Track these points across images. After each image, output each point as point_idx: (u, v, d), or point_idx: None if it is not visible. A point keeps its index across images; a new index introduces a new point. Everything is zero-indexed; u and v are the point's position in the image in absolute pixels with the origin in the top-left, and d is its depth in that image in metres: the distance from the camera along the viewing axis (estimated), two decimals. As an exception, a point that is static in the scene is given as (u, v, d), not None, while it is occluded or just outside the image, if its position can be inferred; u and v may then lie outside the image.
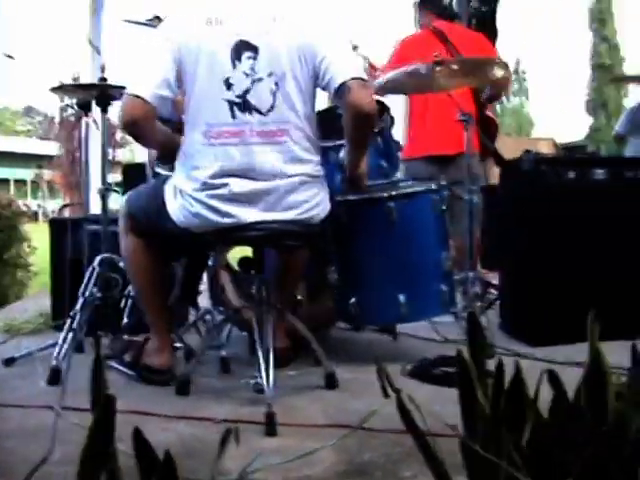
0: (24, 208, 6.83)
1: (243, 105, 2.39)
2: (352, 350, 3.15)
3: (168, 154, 2.66)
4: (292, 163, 2.43)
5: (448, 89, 3.39)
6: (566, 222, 3.20)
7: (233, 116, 2.39)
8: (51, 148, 16.09)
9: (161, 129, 2.60)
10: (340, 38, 2.58)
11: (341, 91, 2.43)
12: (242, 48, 2.41)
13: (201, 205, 2.38)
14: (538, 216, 3.25)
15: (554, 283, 3.19)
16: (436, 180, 3.06)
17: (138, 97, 2.41)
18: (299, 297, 3.11)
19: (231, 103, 2.39)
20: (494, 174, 4.59)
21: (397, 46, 4.40)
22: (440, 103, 3.81)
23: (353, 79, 2.42)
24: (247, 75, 2.40)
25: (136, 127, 2.52)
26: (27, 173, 37.43)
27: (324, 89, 2.54)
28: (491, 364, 1.32)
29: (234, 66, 2.40)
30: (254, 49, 2.41)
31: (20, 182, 38.13)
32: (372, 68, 4.42)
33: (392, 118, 3.43)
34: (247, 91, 2.40)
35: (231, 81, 2.40)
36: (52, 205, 26.38)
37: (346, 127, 2.55)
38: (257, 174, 2.39)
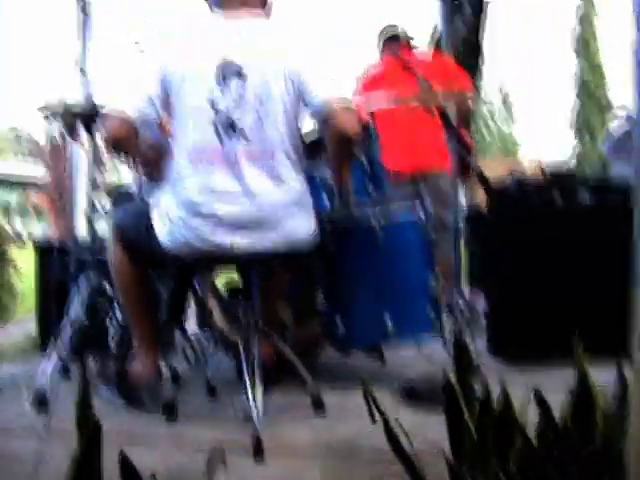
0: (10, 232, 6.80)
1: (229, 128, 2.38)
2: (339, 374, 3.14)
3: (154, 171, 2.66)
4: (277, 185, 2.42)
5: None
6: (551, 244, 3.21)
7: (219, 139, 2.38)
8: (38, 171, 16.06)
9: (145, 144, 2.57)
10: (324, 59, 2.57)
11: (324, 115, 2.46)
12: (228, 69, 2.39)
13: (187, 229, 2.37)
14: (523, 238, 3.26)
15: (539, 305, 3.20)
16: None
17: (120, 114, 2.42)
18: (285, 321, 3.10)
19: (216, 125, 2.37)
20: (478, 195, 4.61)
21: (362, 80, 4.52)
22: (404, 122, 3.83)
23: (336, 103, 2.44)
24: (234, 98, 2.38)
25: (118, 144, 2.52)
26: (12, 196, 37.30)
27: (308, 111, 2.55)
28: (478, 387, 1.33)
29: (220, 87, 2.38)
30: (241, 72, 2.39)
31: (6, 205, 37.97)
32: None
33: (378, 138, 3.45)
34: (234, 114, 2.38)
35: (217, 102, 2.38)
36: (38, 229, 26.30)
37: (330, 149, 2.58)
38: (242, 197, 2.37)
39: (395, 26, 4.73)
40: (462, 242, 3.89)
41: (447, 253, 3.62)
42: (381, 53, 4.74)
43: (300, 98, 2.49)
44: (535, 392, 1.31)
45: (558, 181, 3.66)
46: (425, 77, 4.22)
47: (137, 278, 2.64)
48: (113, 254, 2.66)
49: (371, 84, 4.23)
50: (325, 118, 2.46)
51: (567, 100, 46.20)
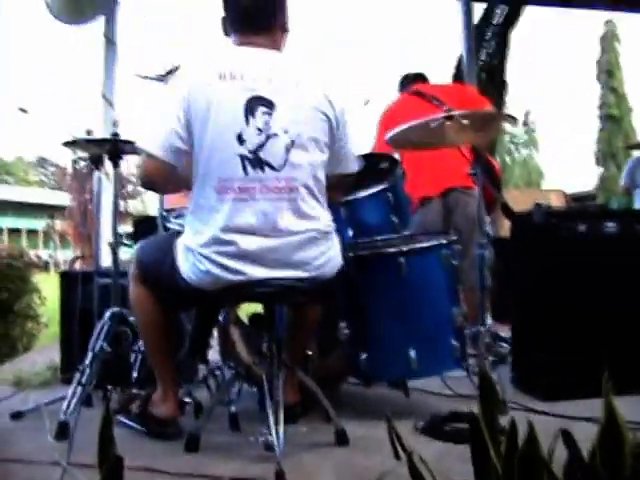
0: (35, 259, 6.86)
1: (255, 161, 2.36)
2: (363, 406, 3.12)
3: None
4: (302, 219, 2.41)
5: (458, 143, 3.40)
6: (578, 275, 3.18)
7: (245, 171, 2.36)
8: (63, 199, 16.19)
9: (180, 177, 2.54)
10: (353, 112, 2.65)
11: (346, 177, 2.69)
12: (256, 103, 2.38)
13: (210, 262, 2.35)
14: (549, 269, 3.24)
15: (566, 337, 3.16)
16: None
17: (152, 156, 2.45)
18: (309, 352, 3.09)
19: (243, 158, 2.36)
20: (503, 226, 4.59)
21: (381, 118, 4.53)
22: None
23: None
24: (261, 130, 2.37)
25: (154, 185, 2.68)
26: (39, 223, 37.72)
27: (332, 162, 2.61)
28: (504, 420, 1.31)
29: (247, 121, 2.37)
30: (269, 104, 2.39)
31: (32, 232, 38.40)
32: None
33: (403, 173, 3.45)
34: (260, 146, 2.37)
35: (244, 136, 2.36)
36: (63, 256, 26.51)
37: (332, 195, 2.69)
38: (267, 231, 2.36)
39: (412, 73, 4.85)
40: (487, 271, 3.87)
41: (473, 280, 3.60)
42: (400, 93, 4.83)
43: (328, 133, 2.51)
44: (562, 430, 1.29)
45: (583, 210, 3.64)
46: (446, 103, 4.25)
47: (157, 315, 2.64)
48: (134, 290, 2.67)
49: (392, 118, 4.23)
50: (343, 179, 2.70)
51: (591, 130, 46.06)
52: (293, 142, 2.40)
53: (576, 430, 1.28)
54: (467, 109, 3.91)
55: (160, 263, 2.55)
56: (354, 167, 2.69)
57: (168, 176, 2.50)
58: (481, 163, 4.27)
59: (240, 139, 2.36)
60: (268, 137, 2.38)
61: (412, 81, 4.72)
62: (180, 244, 2.47)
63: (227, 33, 2.63)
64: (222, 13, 2.63)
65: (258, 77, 2.43)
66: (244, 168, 2.36)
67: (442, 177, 4.23)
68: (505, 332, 3.88)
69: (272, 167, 2.38)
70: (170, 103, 2.46)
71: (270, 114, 2.39)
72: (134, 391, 2.92)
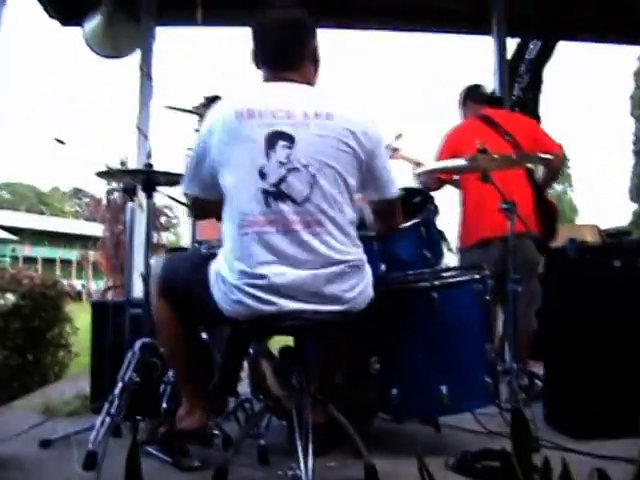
0: (68, 288, 6.91)
1: (277, 194, 2.36)
2: (393, 442, 3.08)
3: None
4: (330, 252, 2.38)
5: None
6: (612, 311, 3.13)
7: (267, 204, 2.35)
8: (97, 229, 16.35)
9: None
10: (383, 144, 2.67)
11: (385, 204, 2.70)
12: (276, 138, 2.38)
13: (242, 293, 2.34)
14: (584, 306, 3.19)
15: (600, 374, 3.10)
16: (493, 264, 3.03)
17: (188, 194, 2.65)
18: (339, 386, 3.06)
19: (265, 192, 2.36)
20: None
21: (445, 138, 4.40)
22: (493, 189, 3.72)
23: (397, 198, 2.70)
24: (282, 164, 2.37)
25: (199, 217, 3.08)
26: (73, 253, 38.19)
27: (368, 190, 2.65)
28: (537, 458, 1.28)
29: (268, 156, 2.37)
30: (290, 139, 2.38)
31: (66, 262, 38.85)
32: (417, 164, 4.42)
33: (436, 207, 3.43)
34: (282, 180, 2.36)
35: (265, 170, 2.36)
36: (96, 286, 26.76)
37: (376, 227, 2.88)
38: (295, 263, 2.34)
39: (479, 86, 4.72)
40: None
41: (528, 323, 3.59)
42: (463, 111, 4.70)
43: (358, 172, 2.50)
44: (598, 469, 1.25)
45: (618, 245, 3.60)
46: (511, 133, 4.21)
47: (180, 328, 2.64)
48: (157, 306, 2.68)
49: (459, 140, 4.17)
50: (383, 206, 2.72)
51: (626, 165, 45.79)
52: (314, 176, 2.38)
53: (611, 470, 1.24)
54: (537, 150, 3.93)
55: (192, 282, 2.55)
56: (392, 192, 2.67)
57: (205, 206, 2.68)
58: (543, 203, 4.26)
59: (262, 174, 2.37)
60: (289, 170, 2.37)
61: (477, 97, 4.59)
62: (213, 270, 2.47)
63: (258, 66, 2.65)
64: (252, 46, 2.66)
65: (277, 112, 2.42)
66: (266, 201, 2.36)
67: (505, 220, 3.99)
68: (538, 369, 3.83)
69: (294, 201, 2.37)
70: (201, 143, 2.53)
71: (290, 147, 2.38)
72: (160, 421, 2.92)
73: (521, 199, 3.67)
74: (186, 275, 2.62)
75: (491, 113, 4.37)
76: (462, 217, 4.37)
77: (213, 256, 2.55)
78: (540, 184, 4.33)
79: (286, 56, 2.59)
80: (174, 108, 3.57)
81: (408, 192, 3.46)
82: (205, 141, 2.48)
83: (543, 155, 3.67)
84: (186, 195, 2.67)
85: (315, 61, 2.67)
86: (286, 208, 2.36)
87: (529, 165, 4.16)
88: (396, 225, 2.89)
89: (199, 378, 2.77)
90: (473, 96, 4.60)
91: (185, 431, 2.65)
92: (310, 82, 2.62)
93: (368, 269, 2.54)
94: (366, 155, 2.50)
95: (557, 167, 4.45)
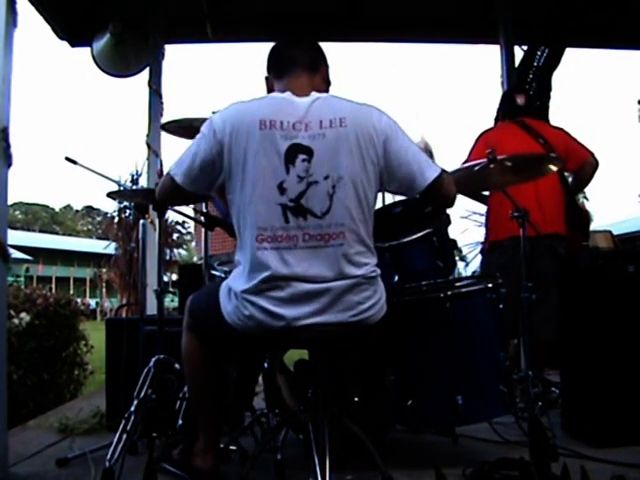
0: (82, 307, 6.94)
1: (297, 209, 2.35)
2: (410, 453, 3.07)
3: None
4: (347, 266, 2.37)
5: (502, 186, 3.37)
6: (627, 317, 3.12)
7: (286, 220, 2.34)
8: (110, 247, 16.37)
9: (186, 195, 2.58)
10: (406, 136, 2.55)
11: (432, 187, 2.48)
12: (295, 151, 2.37)
13: (254, 307, 2.34)
14: (599, 312, 3.17)
15: (617, 381, 3.09)
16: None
17: (172, 178, 2.50)
18: (355, 399, 3.05)
19: (284, 207, 2.34)
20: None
21: (479, 138, 4.46)
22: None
23: (443, 172, 2.52)
24: (301, 178, 2.35)
25: (165, 202, 2.92)
26: (86, 272, 38.37)
27: (398, 191, 2.62)
28: (555, 467, 1.27)
29: (287, 170, 2.36)
30: (308, 151, 2.37)
31: (80, 280, 39.04)
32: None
33: (448, 217, 3.41)
34: (302, 194, 2.35)
35: (285, 185, 2.35)
36: (110, 303, 26.84)
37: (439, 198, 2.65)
38: (309, 277, 2.33)
39: (517, 92, 4.77)
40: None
41: (547, 331, 3.56)
42: (497, 116, 4.79)
43: (380, 179, 2.47)
44: (617, 476, 1.25)
45: (631, 251, 3.57)
46: (545, 137, 4.22)
47: (204, 366, 2.64)
48: (185, 339, 2.68)
49: (493, 142, 4.16)
50: (431, 190, 2.49)
51: (636, 170, 45.64)
52: (334, 187, 2.37)
53: (630, 477, 1.24)
54: (570, 155, 4.04)
55: (206, 306, 2.56)
56: (430, 175, 2.49)
57: (178, 197, 2.65)
58: (573, 208, 4.25)
59: (281, 188, 2.35)
60: (309, 184, 2.36)
61: (515, 105, 4.59)
62: (225, 287, 2.48)
63: (270, 91, 2.65)
64: (265, 73, 2.68)
65: (296, 124, 2.41)
66: (285, 217, 2.34)
67: (539, 220, 3.85)
68: (554, 377, 3.81)
69: (314, 215, 2.36)
70: (205, 141, 2.46)
71: (309, 161, 2.37)
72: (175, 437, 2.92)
73: (552, 200, 3.68)
74: (203, 305, 2.63)
75: (530, 122, 4.42)
76: (492, 213, 4.34)
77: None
78: (573, 189, 4.38)
79: (314, 65, 2.62)
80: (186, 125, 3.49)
81: (419, 202, 3.45)
82: (221, 142, 2.41)
83: (553, 155, 3.67)
84: (171, 179, 2.50)
85: (327, 84, 2.68)
86: (305, 223, 2.35)
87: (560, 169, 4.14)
88: (452, 201, 2.69)
89: (219, 422, 2.78)
90: (508, 105, 4.67)
91: (198, 469, 2.65)
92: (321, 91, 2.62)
93: (381, 281, 2.53)
94: (388, 153, 2.46)
95: (588, 173, 4.44)
